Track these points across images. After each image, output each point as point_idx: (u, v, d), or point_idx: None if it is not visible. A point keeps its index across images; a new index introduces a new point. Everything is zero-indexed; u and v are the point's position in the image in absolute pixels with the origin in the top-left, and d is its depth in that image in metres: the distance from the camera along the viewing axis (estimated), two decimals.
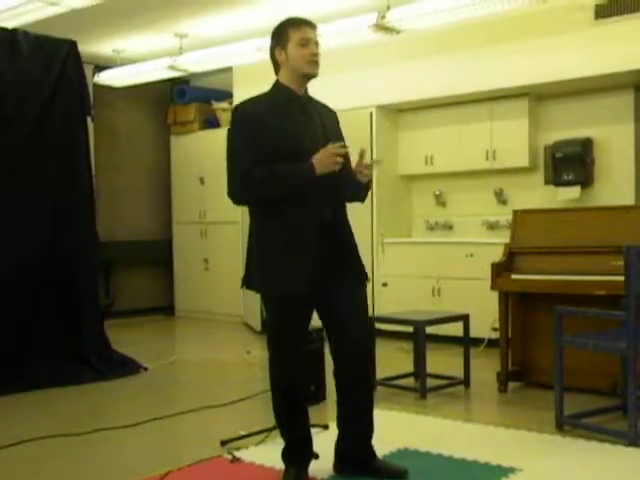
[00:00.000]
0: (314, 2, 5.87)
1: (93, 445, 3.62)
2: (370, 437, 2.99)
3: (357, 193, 2.99)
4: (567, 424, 3.65)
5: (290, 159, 2.76)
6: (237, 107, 2.89)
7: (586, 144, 5.94)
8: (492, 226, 6.56)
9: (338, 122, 3.04)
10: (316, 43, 2.87)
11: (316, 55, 2.85)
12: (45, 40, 5.27)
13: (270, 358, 2.94)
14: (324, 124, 2.92)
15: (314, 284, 2.77)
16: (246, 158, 2.76)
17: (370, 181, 2.93)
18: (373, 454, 3.01)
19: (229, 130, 2.87)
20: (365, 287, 2.96)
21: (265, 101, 2.87)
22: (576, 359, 4.01)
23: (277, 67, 2.92)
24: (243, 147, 2.79)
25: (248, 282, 2.92)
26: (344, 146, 2.79)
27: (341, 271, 2.86)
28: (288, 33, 2.85)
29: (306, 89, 2.92)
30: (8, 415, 4.25)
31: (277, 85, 2.90)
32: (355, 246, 2.94)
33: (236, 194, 2.85)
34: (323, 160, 2.74)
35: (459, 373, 4.70)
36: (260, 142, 2.76)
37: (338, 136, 2.94)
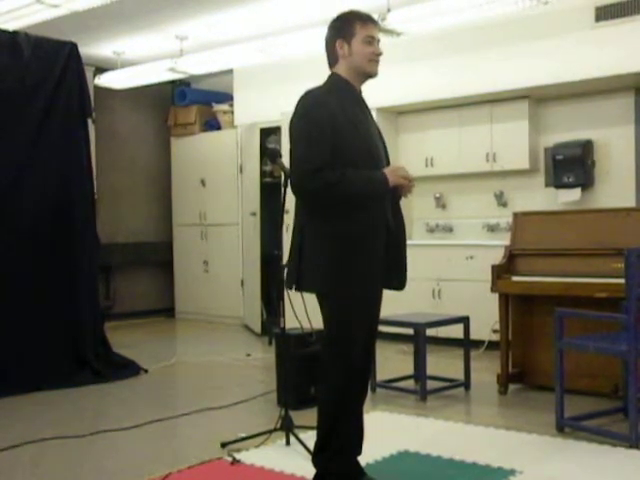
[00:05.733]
0: (314, 5, 5.88)
1: (93, 447, 3.62)
2: (360, 450, 2.86)
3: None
4: (568, 426, 3.65)
5: (355, 156, 2.66)
6: (308, 94, 2.72)
7: (586, 146, 5.94)
8: (492, 228, 6.55)
9: None
10: (379, 42, 2.80)
11: (380, 55, 2.79)
12: (46, 42, 5.27)
13: (333, 366, 2.72)
14: (374, 123, 2.86)
15: (377, 283, 2.74)
16: (315, 154, 2.61)
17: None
18: (362, 471, 2.85)
19: (300, 117, 2.69)
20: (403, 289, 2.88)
21: (333, 93, 2.72)
22: (576, 361, 4.01)
23: (334, 59, 2.79)
24: (313, 139, 2.63)
25: (301, 282, 2.72)
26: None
27: (391, 272, 2.80)
28: (355, 27, 2.74)
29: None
30: (8, 417, 4.24)
31: (336, 78, 2.78)
32: (406, 249, 2.86)
33: (300, 188, 2.67)
34: (396, 180, 2.70)
35: (459, 375, 4.71)
36: (329, 134, 2.62)
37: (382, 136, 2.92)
